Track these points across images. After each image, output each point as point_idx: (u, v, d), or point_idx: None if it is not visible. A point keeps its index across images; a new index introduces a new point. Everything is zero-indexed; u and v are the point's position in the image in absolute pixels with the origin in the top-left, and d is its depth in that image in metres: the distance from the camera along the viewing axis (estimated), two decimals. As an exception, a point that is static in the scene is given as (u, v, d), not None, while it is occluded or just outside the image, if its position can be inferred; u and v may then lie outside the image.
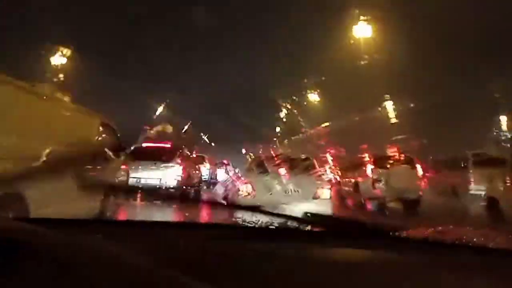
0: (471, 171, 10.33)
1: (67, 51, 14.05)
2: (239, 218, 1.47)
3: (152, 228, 1.38)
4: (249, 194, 7.14)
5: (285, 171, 7.66)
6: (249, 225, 1.35)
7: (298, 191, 7.03)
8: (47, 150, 5.69)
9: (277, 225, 1.27)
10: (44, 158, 5.53)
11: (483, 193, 7.97)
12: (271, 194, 7.13)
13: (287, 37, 16.34)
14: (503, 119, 18.31)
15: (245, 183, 7.45)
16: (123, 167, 8.36)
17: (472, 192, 9.35)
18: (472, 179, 9.94)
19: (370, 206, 10.74)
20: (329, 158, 17.09)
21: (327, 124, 20.09)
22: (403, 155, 10.88)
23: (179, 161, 11.79)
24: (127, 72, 16.63)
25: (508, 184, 6.89)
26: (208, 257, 0.93)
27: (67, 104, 6.89)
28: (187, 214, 3.88)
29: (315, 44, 16.75)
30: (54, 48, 13.96)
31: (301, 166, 7.93)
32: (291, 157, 8.64)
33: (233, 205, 1.78)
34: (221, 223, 1.47)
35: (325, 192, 7.16)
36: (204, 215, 3.30)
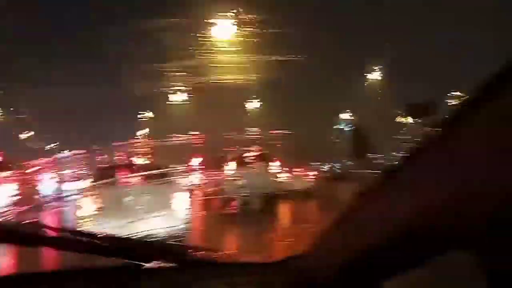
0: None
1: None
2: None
3: None
4: (97, 210, 6.23)
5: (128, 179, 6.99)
6: None
7: (152, 201, 6.44)
8: None
9: None
10: None
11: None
12: (122, 207, 6.37)
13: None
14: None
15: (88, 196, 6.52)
16: None
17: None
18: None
19: (234, 205, 10.88)
20: (195, 161, 16.91)
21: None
22: (260, 153, 11.39)
23: (11, 174, 9.84)
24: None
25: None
26: None
27: None
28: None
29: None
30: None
31: (157, 173, 7.36)
32: (140, 164, 7.99)
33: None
34: None
35: (181, 200, 6.74)
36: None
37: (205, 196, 11.70)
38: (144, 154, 17.37)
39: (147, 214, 6.21)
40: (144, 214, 6.21)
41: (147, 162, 12.60)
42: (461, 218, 0.55)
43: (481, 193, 0.51)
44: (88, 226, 5.99)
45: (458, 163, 0.52)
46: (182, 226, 6.21)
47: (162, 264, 1.17)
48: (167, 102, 20.69)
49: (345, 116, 22.89)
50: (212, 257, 1.22)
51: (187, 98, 20.07)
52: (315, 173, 14.15)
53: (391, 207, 0.64)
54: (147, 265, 1.15)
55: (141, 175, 7.43)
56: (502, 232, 0.55)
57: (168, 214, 6.35)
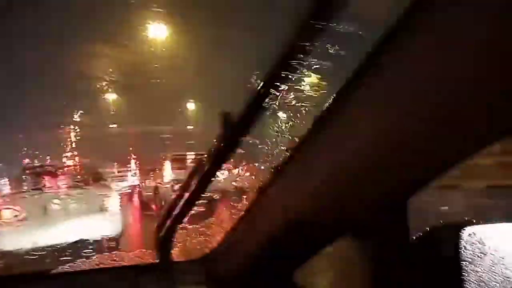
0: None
1: None
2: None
3: None
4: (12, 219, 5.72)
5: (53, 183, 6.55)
6: None
7: (79, 205, 6.08)
8: None
9: None
10: None
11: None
12: (49, 215, 5.94)
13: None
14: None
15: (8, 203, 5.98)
16: None
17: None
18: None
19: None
20: (132, 163, 16.17)
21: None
22: (199, 154, 11.22)
23: None
24: None
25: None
26: None
27: None
28: None
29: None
30: None
31: (85, 175, 6.95)
32: (69, 165, 7.50)
33: None
34: None
35: (114, 203, 6.45)
36: None
37: (141, 199, 11.31)
38: (73, 154, 16.22)
39: (77, 220, 5.87)
40: (74, 220, 5.87)
41: (77, 162, 11.87)
42: (346, 208, 0.60)
43: (362, 184, 0.55)
44: (9, 238, 5.52)
45: (336, 155, 0.55)
46: (115, 230, 5.96)
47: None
48: (98, 98, 19.57)
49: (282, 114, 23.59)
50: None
51: (120, 96, 19.19)
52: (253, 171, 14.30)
53: (283, 200, 0.68)
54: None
55: (71, 178, 6.99)
56: (383, 220, 0.61)
57: (100, 219, 6.06)
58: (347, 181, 0.56)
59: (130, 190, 11.58)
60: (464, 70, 0.38)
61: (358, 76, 0.49)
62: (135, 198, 11.14)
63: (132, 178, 13.45)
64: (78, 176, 7.02)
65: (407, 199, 0.63)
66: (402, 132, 0.47)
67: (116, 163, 14.48)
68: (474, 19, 0.36)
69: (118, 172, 14.20)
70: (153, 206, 11.23)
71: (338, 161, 0.56)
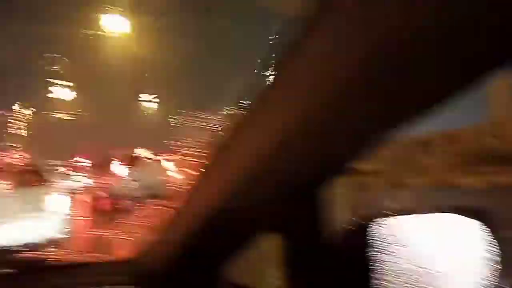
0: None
1: None
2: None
3: None
4: None
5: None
6: None
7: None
8: None
9: None
10: None
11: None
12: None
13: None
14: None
15: None
16: None
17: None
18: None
19: (127, 206, 10.34)
20: (84, 162, 15.45)
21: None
22: (152, 151, 11.08)
23: None
24: None
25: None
26: None
27: None
28: None
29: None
30: None
31: (27, 177, 6.53)
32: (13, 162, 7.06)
33: None
34: None
35: (61, 202, 6.13)
36: None
37: (90, 198, 10.87)
38: (18, 150, 15.20)
39: (17, 221, 5.53)
40: (13, 220, 5.51)
41: (22, 159, 11.19)
42: (258, 199, 0.61)
43: (268, 175, 0.57)
44: None
45: (246, 146, 0.56)
46: (57, 230, 5.67)
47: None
48: (49, 95, 18.54)
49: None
50: (60, 258, 1.14)
51: (72, 92, 18.27)
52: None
53: (205, 192, 0.68)
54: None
55: (14, 176, 6.56)
56: (294, 213, 0.63)
57: (43, 219, 5.74)
58: (257, 172, 0.58)
59: (78, 188, 11.08)
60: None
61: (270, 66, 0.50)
62: (84, 197, 10.67)
63: (81, 176, 12.89)
64: (20, 174, 6.60)
65: (314, 190, 0.65)
66: (302, 122, 0.48)
67: (63, 160, 13.79)
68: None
69: (66, 169, 13.49)
70: (104, 205, 10.84)
71: (248, 152, 0.57)
